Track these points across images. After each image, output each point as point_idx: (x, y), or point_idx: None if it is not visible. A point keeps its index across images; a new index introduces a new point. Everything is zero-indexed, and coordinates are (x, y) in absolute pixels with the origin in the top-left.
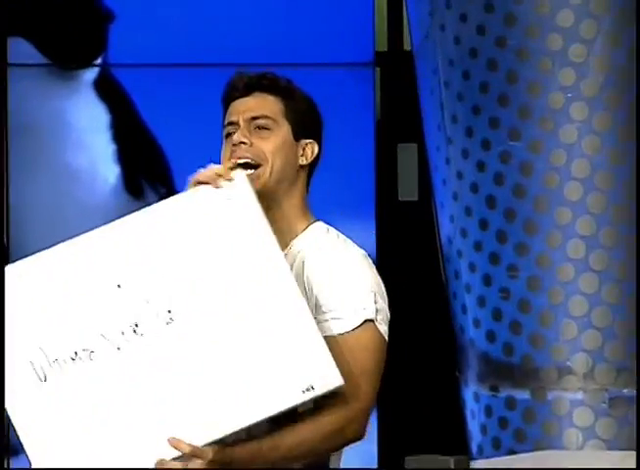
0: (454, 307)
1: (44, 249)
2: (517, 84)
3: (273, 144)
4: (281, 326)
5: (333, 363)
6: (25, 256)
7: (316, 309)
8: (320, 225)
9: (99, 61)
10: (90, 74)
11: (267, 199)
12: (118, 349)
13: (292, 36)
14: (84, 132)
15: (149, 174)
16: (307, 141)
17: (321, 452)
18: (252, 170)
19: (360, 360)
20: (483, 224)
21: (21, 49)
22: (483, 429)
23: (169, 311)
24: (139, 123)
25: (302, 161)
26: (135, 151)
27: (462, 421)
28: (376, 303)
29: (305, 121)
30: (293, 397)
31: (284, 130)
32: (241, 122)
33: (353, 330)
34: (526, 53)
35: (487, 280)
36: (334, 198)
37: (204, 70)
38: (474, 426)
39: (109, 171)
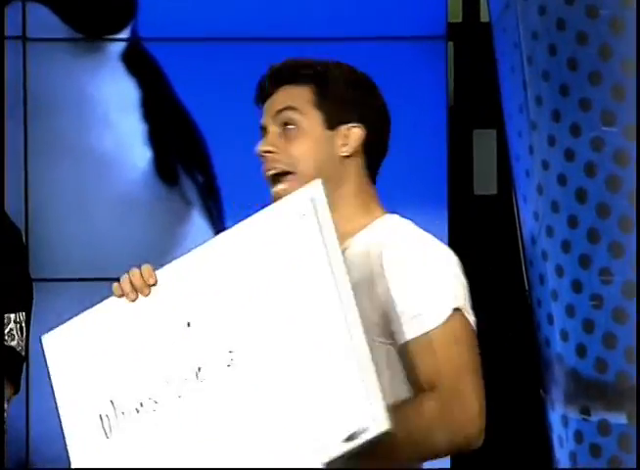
0: (539, 317)
1: (66, 241)
2: (610, 61)
3: (302, 144)
4: (328, 365)
5: (381, 404)
6: (46, 250)
7: (395, 311)
8: (387, 218)
9: (129, 34)
10: (118, 46)
11: None
12: (179, 396)
13: (351, 6)
14: (111, 110)
15: (184, 159)
16: (348, 126)
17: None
18: (286, 181)
19: (458, 357)
20: (573, 221)
21: (40, 15)
22: (573, 457)
23: (230, 352)
24: (173, 101)
25: (344, 151)
26: (169, 132)
27: (548, 448)
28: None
29: (345, 103)
30: (331, 447)
31: (314, 122)
32: (268, 126)
33: (444, 323)
34: (622, 24)
35: (577, 286)
36: (401, 192)
37: (249, 45)
38: (562, 454)
39: (139, 155)
